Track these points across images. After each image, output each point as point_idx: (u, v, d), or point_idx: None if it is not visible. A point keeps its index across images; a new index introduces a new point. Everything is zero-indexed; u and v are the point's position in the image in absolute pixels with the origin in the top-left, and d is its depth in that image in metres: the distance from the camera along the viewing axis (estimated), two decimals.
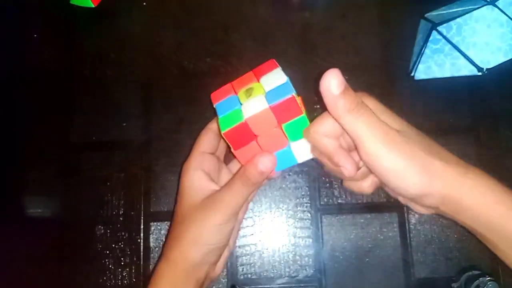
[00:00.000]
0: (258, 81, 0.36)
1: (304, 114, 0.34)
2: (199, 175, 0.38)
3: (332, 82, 0.28)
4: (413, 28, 0.52)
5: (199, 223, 0.36)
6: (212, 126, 0.40)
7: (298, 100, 0.34)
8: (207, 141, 0.40)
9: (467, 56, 0.47)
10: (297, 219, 0.49)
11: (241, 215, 0.42)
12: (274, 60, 0.37)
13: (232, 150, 0.36)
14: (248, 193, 0.36)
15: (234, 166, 0.42)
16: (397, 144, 0.29)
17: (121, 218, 0.50)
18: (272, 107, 0.33)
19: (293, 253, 0.49)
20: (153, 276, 0.37)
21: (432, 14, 0.50)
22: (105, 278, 0.48)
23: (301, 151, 0.36)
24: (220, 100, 0.37)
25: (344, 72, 0.29)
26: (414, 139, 0.31)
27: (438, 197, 0.30)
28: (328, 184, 0.49)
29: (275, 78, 0.35)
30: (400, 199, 0.35)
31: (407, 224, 0.49)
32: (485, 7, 0.46)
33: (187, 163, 0.39)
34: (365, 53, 0.52)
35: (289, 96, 0.33)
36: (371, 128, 0.29)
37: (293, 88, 0.34)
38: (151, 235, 0.49)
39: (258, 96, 0.34)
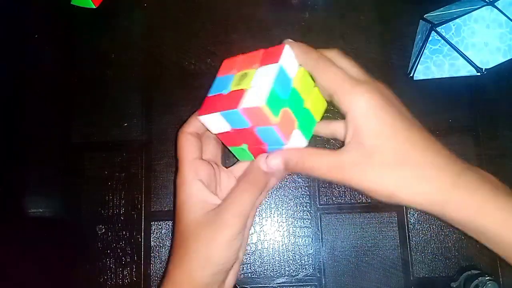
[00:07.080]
0: (259, 66, 0.32)
1: (271, 126, 0.29)
2: (197, 187, 0.33)
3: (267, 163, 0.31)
4: (412, 29, 0.52)
5: (206, 241, 0.32)
6: (188, 129, 0.35)
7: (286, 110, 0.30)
8: (191, 146, 0.35)
9: (466, 57, 0.47)
10: (297, 219, 0.49)
11: (249, 222, 0.37)
12: (288, 47, 0.32)
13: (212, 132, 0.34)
14: (255, 199, 0.32)
15: (237, 168, 0.37)
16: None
17: (122, 218, 0.50)
18: (241, 110, 0.30)
19: (293, 252, 0.49)
20: None
21: (432, 15, 0.50)
22: (106, 277, 0.49)
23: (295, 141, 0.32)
24: (222, 74, 0.34)
25: None
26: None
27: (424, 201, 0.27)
28: (327, 184, 0.50)
29: (267, 73, 0.30)
30: None
31: (406, 224, 0.49)
32: (484, 7, 0.46)
33: (180, 175, 0.34)
34: (365, 53, 0.52)
35: (257, 106, 0.29)
36: (311, 159, 0.30)
37: (268, 97, 0.29)
38: (152, 235, 0.49)
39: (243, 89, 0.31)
